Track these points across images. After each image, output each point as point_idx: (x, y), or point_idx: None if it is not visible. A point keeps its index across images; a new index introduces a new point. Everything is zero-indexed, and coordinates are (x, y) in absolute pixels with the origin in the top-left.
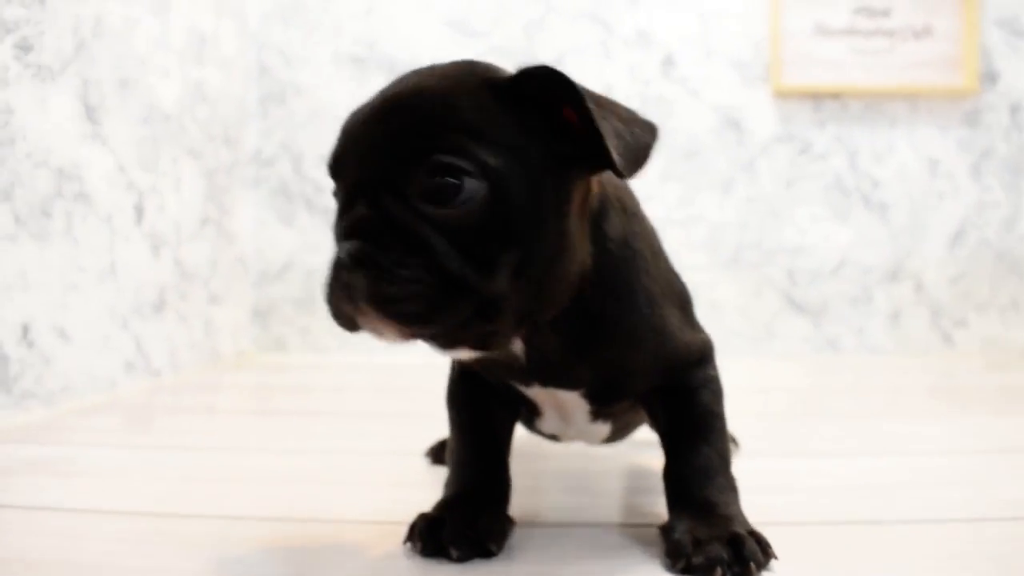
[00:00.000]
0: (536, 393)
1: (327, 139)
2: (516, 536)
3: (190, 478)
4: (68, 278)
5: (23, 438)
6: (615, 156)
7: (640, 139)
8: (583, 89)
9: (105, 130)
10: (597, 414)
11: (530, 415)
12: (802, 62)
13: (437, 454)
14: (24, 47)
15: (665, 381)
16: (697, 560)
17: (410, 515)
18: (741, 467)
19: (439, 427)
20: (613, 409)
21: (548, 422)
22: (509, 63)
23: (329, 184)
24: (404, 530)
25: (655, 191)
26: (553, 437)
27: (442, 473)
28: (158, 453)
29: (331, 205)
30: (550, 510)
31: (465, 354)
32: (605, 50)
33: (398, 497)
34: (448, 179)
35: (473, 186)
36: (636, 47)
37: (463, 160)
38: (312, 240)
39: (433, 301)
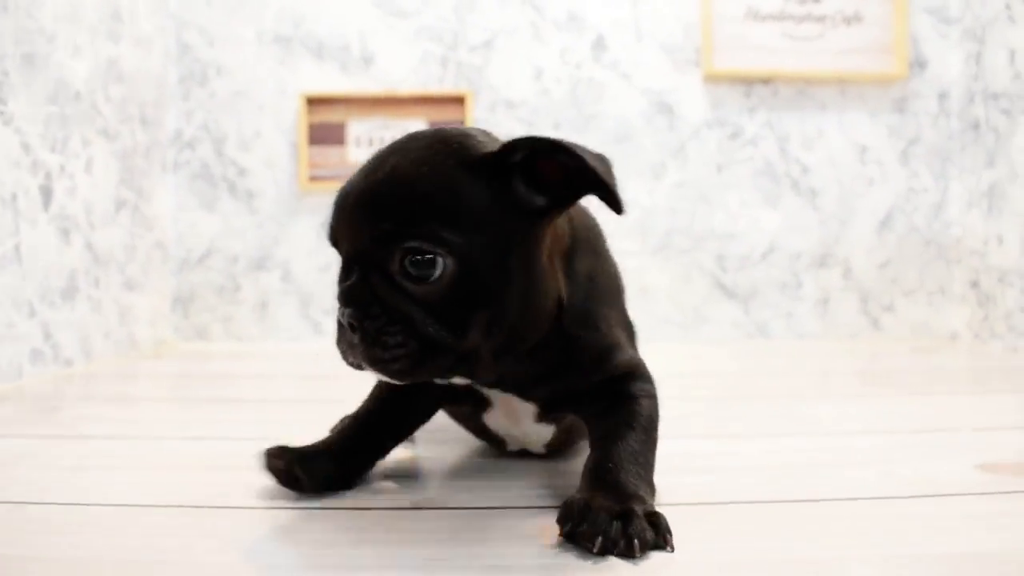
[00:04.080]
0: (494, 393)
1: (251, 121)
2: (419, 519)
3: (86, 467)
4: None
5: None
6: (620, 201)
7: (613, 174)
8: (564, 143)
9: (9, 107)
10: (542, 418)
11: (477, 408)
12: (733, 47)
13: None
14: None
15: (607, 394)
16: (581, 528)
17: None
18: (662, 449)
19: None
20: (559, 415)
21: (494, 418)
22: (438, 44)
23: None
24: (316, 514)
25: None
26: (498, 444)
27: None
28: (60, 442)
29: (255, 189)
30: (460, 494)
31: (460, 380)
32: (536, 32)
33: None
34: (422, 259)
35: (443, 264)
36: (567, 30)
37: (433, 244)
38: (235, 225)
39: (415, 360)
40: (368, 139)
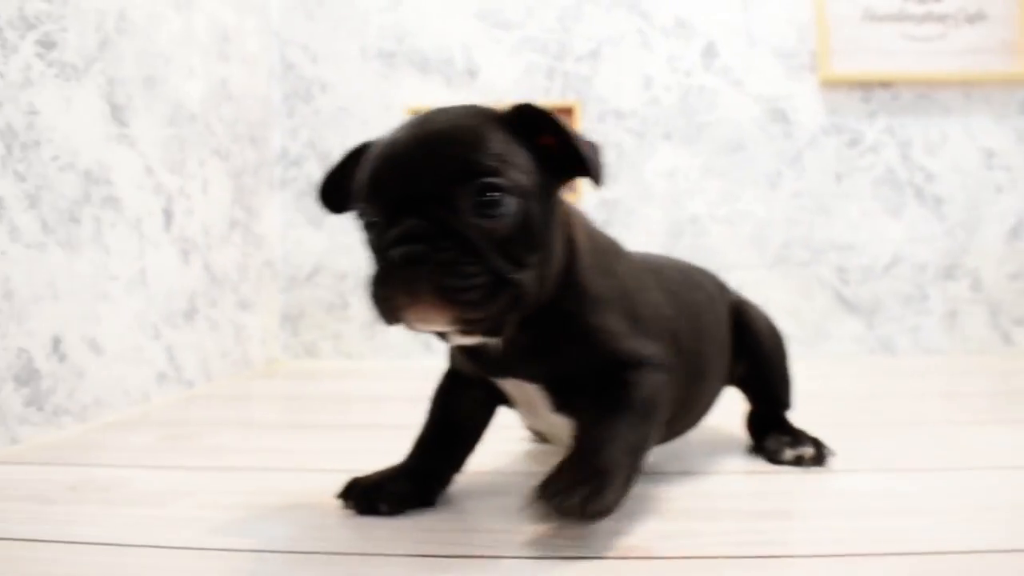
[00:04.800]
0: (507, 385)
1: (356, 137)
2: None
3: (232, 505)
4: (99, 287)
5: (56, 458)
6: (593, 169)
7: (599, 154)
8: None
9: (132, 131)
10: (558, 406)
11: (511, 405)
12: (850, 49)
13: None
14: (47, 44)
15: (610, 380)
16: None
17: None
18: (828, 487)
19: (492, 440)
20: (572, 404)
21: (523, 414)
22: (543, 55)
23: None
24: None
25: (696, 186)
26: (543, 438)
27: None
28: (197, 475)
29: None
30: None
31: (471, 341)
32: (643, 40)
33: (426, 523)
34: (492, 196)
35: (510, 202)
36: (675, 36)
37: (502, 180)
38: (342, 242)
39: (486, 292)
40: None
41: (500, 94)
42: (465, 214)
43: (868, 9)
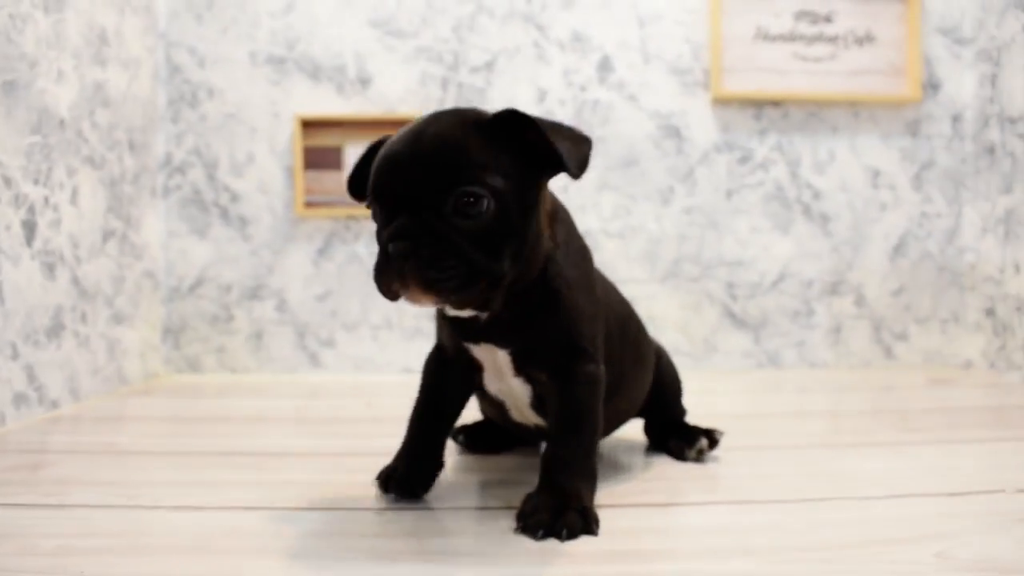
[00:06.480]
0: (480, 351)
1: (244, 145)
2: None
3: (56, 551)
4: None
5: None
6: (568, 163)
7: (582, 149)
8: (539, 119)
9: None
10: (518, 371)
11: (479, 376)
12: (742, 68)
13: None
14: None
15: (562, 361)
16: (528, 523)
17: None
18: (694, 522)
19: (358, 470)
20: (530, 370)
21: (488, 379)
22: (438, 65)
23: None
24: None
25: (590, 201)
26: (500, 409)
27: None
28: (48, 514)
29: (248, 215)
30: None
31: (467, 312)
32: (539, 52)
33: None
34: (470, 200)
35: (487, 204)
36: (571, 50)
37: (479, 188)
38: (228, 253)
39: (462, 281)
40: None
41: (393, 104)
42: (447, 216)
43: (761, 29)
